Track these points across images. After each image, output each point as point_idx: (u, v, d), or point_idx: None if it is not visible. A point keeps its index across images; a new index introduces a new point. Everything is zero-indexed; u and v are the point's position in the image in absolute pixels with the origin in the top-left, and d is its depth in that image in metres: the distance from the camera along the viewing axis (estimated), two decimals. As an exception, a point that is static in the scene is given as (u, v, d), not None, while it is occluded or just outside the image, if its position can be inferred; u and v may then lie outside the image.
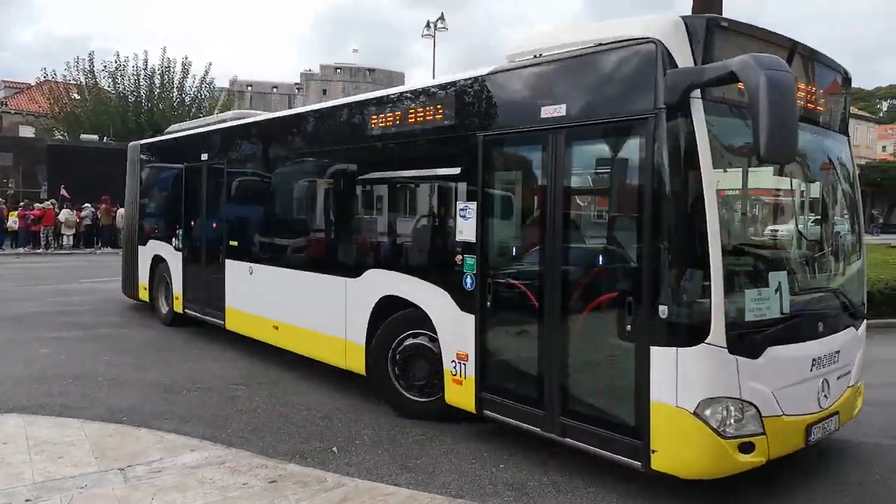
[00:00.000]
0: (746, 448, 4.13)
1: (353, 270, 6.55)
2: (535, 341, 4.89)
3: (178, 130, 11.17)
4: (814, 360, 4.55)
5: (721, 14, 10.81)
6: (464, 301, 5.35)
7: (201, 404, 6.35)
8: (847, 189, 5.38)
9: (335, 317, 6.68)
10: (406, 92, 6.24)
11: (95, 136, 31.81)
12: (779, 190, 5.12)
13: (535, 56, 5.04)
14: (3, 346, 8.75)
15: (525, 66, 5.09)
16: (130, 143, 12.19)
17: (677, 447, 4.09)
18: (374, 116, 6.39)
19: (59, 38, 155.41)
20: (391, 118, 6.21)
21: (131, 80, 36.29)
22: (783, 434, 4.32)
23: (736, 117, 4.17)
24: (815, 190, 5.16)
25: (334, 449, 5.24)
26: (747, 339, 4.12)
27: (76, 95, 36.04)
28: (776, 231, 5.12)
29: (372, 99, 6.62)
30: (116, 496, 4.11)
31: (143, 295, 11.22)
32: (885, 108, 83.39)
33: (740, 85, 3.87)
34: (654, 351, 4.10)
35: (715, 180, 4.01)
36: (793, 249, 4.93)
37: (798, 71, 4.63)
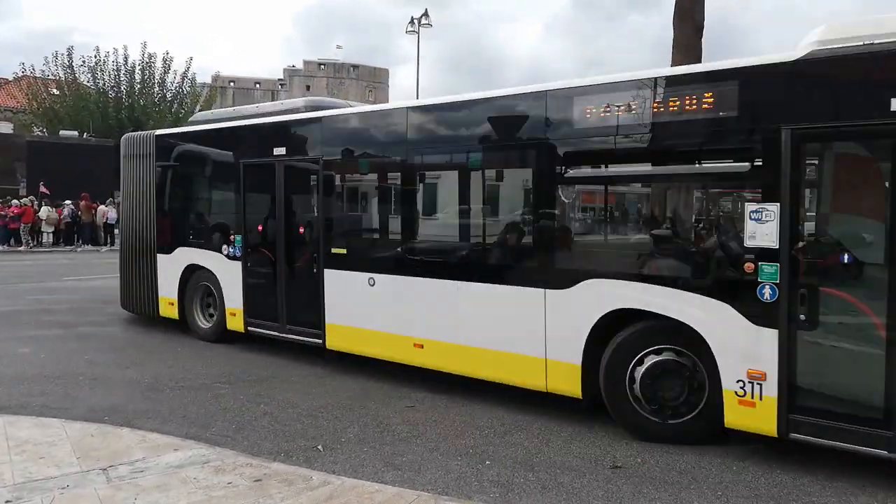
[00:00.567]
0: None
1: (560, 281, 5.81)
2: (873, 357, 4.44)
3: (207, 121, 9.57)
4: None
5: (703, 10, 10.78)
6: (758, 313, 4.81)
7: (184, 403, 6.30)
8: None
9: (529, 333, 5.97)
10: (668, 76, 5.51)
11: (75, 133, 31.43)
12: None
13: (863, 43, 4.41)
14: (-18, 345, 8.64)
15: (866, 54, 4.39)
16: (124, 136, 10.74)
17: None
18: (613, 104, 5.51)
19: (39, 34, 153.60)
20: (645, 105, 5.40)
21: (111, 76, 35.99)
22: None
23: None
24: None
25: (320, 447, 5.22)
26: None
27: (55, 91, 35.56)
28: None
29: (617, 83, 5.56)
30: (99, 496, 4.07)
31: (167, 311, 9.65)
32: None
33: None
34: None
35: None
36: None
37: None
